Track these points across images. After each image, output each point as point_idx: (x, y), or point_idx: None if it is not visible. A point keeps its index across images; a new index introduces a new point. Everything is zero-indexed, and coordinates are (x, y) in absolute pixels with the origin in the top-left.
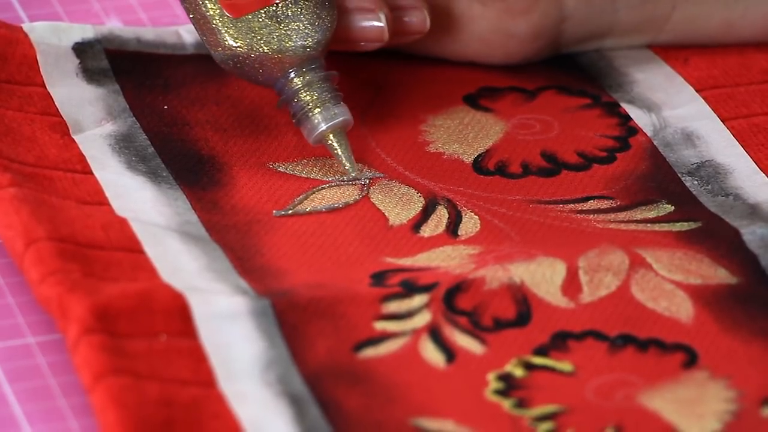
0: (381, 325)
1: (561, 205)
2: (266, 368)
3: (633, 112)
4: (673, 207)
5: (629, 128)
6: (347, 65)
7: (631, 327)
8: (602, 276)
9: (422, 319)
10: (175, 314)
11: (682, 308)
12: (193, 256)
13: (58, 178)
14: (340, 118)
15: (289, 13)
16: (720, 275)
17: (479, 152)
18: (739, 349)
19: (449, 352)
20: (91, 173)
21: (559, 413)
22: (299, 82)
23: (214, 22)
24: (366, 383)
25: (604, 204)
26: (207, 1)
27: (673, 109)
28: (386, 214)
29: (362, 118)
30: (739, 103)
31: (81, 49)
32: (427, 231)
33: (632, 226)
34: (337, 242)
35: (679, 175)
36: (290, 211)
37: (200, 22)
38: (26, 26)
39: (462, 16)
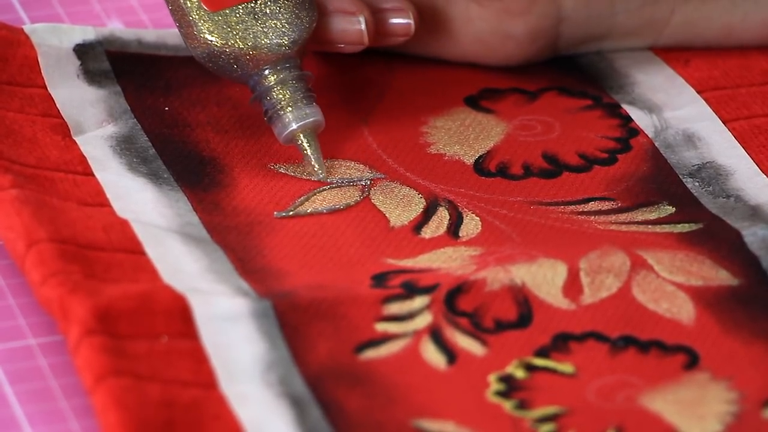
0: (382, 327)
1: (562, 207)
2: (267, 369)
3: (634, 113)
4: (674, 208)
5: (630, 129)
6: (348, 66)
7: (632, 328)
8: (603, 277)
9: (423, 320)
10: (176, 315)
11: (683, 310)
12: (195, 257)
13: (59, 179)
14: (312, 119)
15: (268, 11)
16: (721, 277)
17: (480, 153)
18: (740, 351)
19: (450, 353)
20: (92, 175)
21: (560, 414)
22: (273, 80)
23: (192, 15)
24: (367, 384)
25: (606, 205)
26: None
27: (674, 110)
28: (387, 215)
29: (364, 119)
30: (740, 105)
31: (82, 50)
32: (428, 232)
33: (633, 228)
34: (338, 243)
35: (680, 176)
36: (291, 213)
37: (178, 14)
38: (27, 28)
39: (459, 17)
